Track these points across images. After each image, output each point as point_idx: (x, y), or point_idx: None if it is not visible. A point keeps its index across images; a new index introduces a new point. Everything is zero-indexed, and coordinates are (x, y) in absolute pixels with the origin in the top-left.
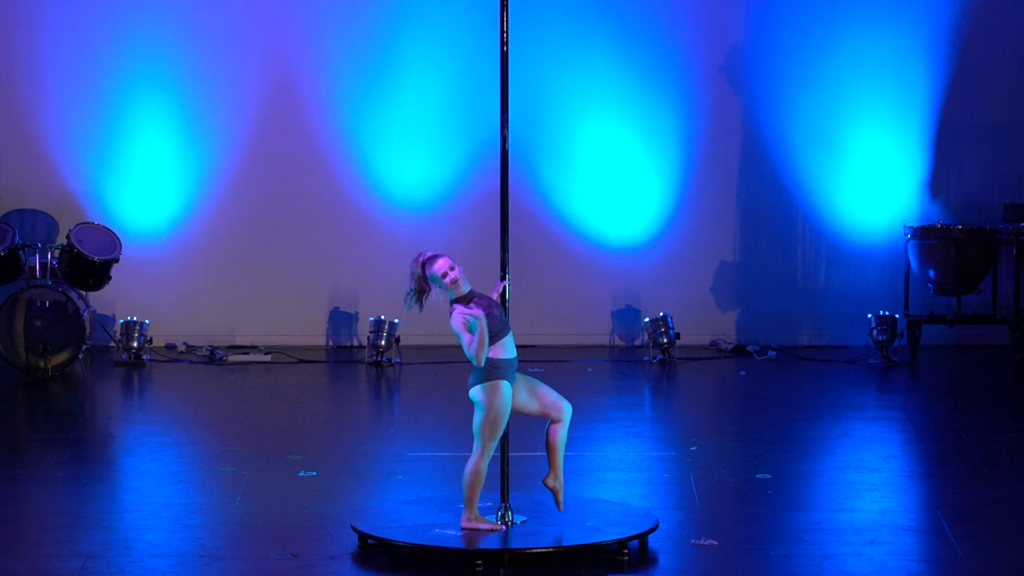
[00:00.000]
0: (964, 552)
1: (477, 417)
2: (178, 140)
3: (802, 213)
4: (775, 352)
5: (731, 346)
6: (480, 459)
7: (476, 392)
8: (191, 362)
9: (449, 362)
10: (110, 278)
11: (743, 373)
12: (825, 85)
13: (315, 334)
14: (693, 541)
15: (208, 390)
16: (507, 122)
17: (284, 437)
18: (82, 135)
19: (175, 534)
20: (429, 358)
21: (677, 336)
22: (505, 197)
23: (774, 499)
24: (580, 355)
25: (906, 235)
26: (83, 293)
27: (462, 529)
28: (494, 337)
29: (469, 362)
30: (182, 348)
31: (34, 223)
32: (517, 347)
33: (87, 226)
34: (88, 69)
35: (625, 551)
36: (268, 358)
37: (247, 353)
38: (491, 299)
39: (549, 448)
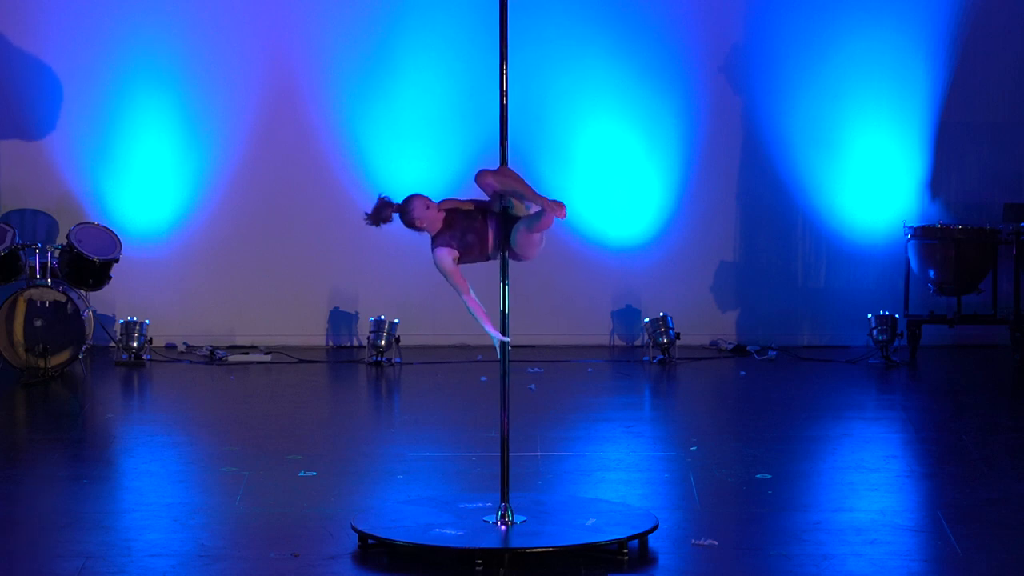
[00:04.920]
0: (964, 552)
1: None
2: (178, 140)
3: (802, 213)
4: (775, 352)
5: (731, 346)
6: None
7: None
8: (191, 362)
9: (449, 362)
10: (110, 278)
11: (743, 373)
12: (825, 85)
13: (315, 334)
14: (693, 541)
15: (208, 390)
16: (506, 123)
17: (284, 437)
18: (82, 135)
19: (175, 534)
20: (429, 358)
21: (677, 336)
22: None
23: (774, 499)
24: (580, 355)
25: (906, 235)
26: (83, 293)
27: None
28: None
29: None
30: (182, 348)
31: (34, 223)
32: (516, 347)
33: (87, 226)
34: (88, 69)
35: (625, 551)
36: (268, 358)
37: (247, 353)
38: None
39: None
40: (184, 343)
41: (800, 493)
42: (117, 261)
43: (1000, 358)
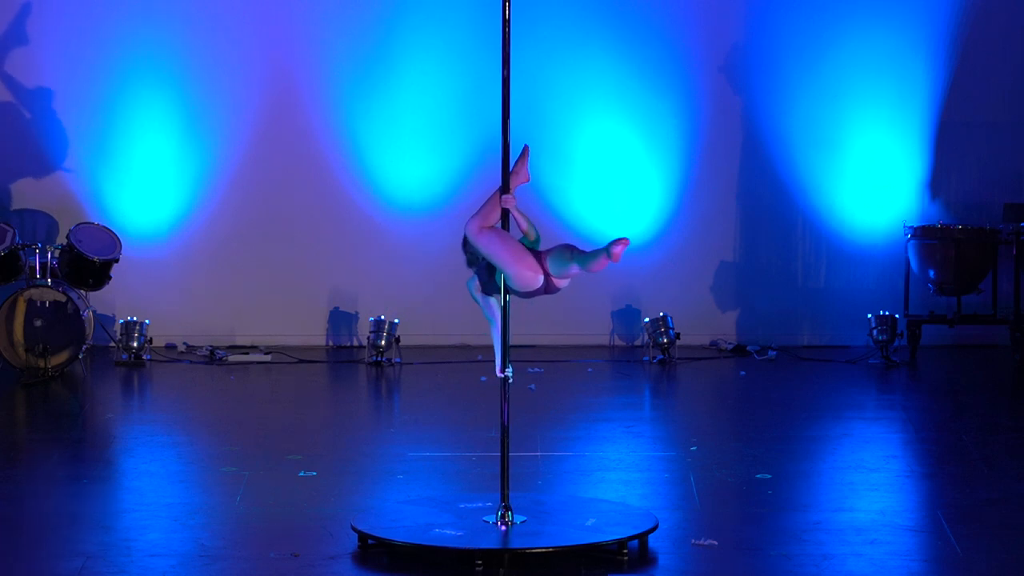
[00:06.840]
0: (964, 552)
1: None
2: (178, 140)
3: (802, 213)
4: (775, 352)
5: (731, 346)
6: None
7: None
8: (191, 362)
9: (449, 362)
10: (110, 278)
11: (743, 373)
12: (825, 85)
13: (315, 334)
14: (693, 541)
15: (208, 390)
16: (507, 122)
17: (284, 437)
18: (82, 135)
19: (175, 534)
20: (429, 358)
21: (677, 336)
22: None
23: (774, 499)
24: (580, 355)
25: (906, 235)
26: (83, 293)
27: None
28: None
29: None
30: (182, 348)
31: (34, 223)
32: (516, 347)
33: (87, 226)
34: (88, 68)
35: (625, 551)
36: (268, 358)
37: (247, 353)
38: None
39: None
40: (184, 343)
41: (800, 493)
42: (117, 261)
43: (1000, 358)
